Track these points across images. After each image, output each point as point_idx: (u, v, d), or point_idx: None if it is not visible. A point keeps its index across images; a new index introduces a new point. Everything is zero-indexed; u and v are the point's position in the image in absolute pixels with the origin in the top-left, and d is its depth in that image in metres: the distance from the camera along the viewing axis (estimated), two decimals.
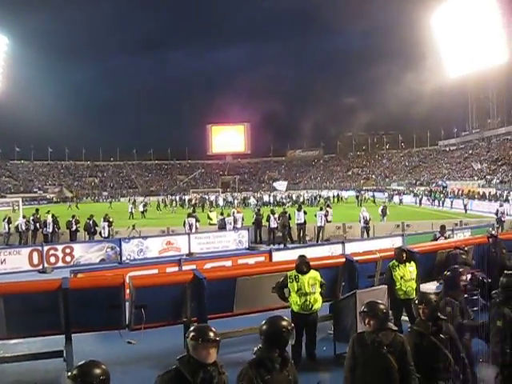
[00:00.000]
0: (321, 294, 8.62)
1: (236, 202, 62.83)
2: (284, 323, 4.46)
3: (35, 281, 11.27)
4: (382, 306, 5.15)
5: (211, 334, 3.96)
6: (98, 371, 3.45)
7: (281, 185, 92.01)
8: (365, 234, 25.95)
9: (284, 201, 62.14)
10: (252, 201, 60.24)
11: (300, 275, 8.48)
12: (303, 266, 8.56)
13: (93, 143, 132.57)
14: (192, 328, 4.11)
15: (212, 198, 67.67)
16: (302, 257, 8.76)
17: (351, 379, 5.06)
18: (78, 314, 8.09)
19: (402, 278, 9.21)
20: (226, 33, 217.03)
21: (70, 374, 3.49)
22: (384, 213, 34.13)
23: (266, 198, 65.10)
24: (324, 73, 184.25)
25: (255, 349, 4.43)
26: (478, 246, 12.17)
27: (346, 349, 8.39)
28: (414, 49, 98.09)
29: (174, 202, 66.54)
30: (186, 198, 71.13)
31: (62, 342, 8.09)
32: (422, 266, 10.05)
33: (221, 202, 62.30)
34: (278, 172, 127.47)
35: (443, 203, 53.37)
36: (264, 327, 4.47)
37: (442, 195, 57.62)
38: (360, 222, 26.54)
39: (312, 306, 8.42)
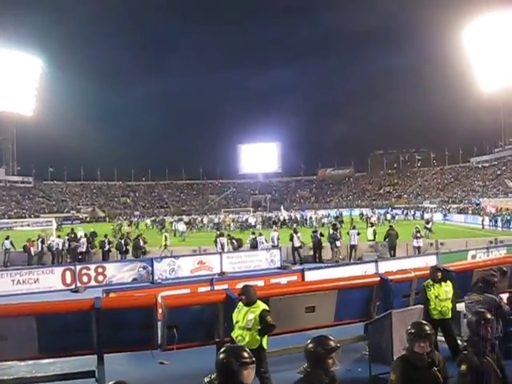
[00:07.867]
0: (259, 331, 7.24)
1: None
2: (331, 342, 4.34)
3: (67, 301, 11.26)
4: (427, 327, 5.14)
5: (246, 355, 3.80)
6: None
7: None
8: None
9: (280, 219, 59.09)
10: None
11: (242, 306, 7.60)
12: (240, 295, 7.63)
13: (125, 163, 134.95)
14: (225, 349, 3.93)
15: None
16: (244, 286, 7.91)
17: None
18: (110, 333, 8.06)
19: (436, 297, 8.92)
20: (258, 58, 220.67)
21: None
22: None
23: (250, 220, 60.49)
24: (354, 93, 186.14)
25: (301, 368, 4.32)
26: None
27: (382, 370, 8.34)
28: (445, 66, 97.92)
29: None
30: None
31: (94, 362, 8.05)
32: (458, 285, 9.79)
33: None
34: (310, 191, 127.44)
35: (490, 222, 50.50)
36: (309, 346, 4.37)
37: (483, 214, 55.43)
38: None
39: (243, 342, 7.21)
